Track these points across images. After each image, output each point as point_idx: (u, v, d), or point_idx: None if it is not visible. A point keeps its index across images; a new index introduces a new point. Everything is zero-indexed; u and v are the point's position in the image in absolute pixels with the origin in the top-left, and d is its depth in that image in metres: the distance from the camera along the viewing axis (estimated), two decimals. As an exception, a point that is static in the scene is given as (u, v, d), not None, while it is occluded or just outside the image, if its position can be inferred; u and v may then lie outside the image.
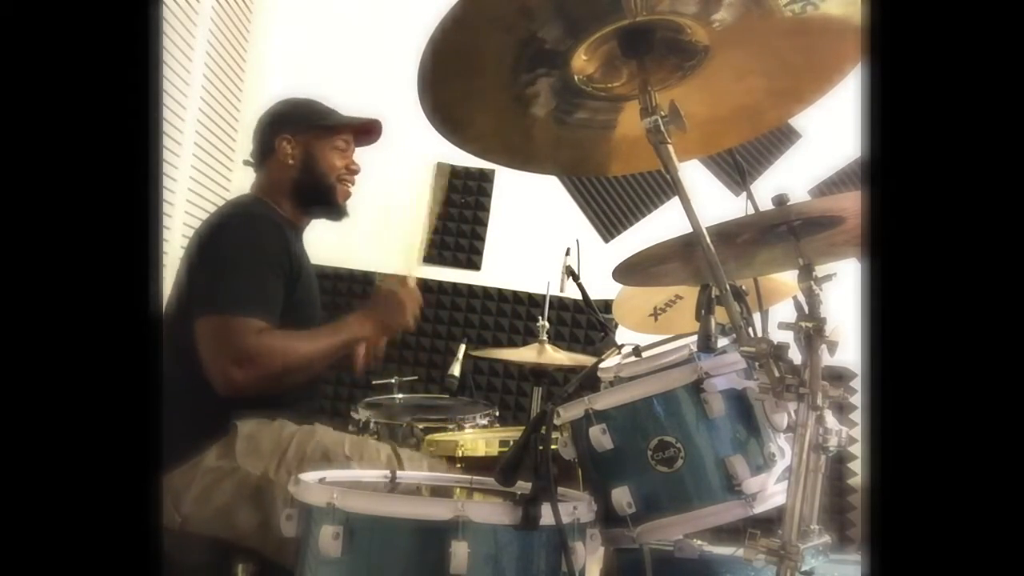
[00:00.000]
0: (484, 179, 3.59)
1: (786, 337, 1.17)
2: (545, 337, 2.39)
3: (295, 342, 1.69)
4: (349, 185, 1.95)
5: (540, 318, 2.45)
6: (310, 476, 1.28)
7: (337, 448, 1.66)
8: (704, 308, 1.34)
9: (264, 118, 1.98)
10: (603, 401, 1.34)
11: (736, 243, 1.33)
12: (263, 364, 1.61)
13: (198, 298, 1.67)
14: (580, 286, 2.53)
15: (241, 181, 2.03)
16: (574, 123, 1.31)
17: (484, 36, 1.09)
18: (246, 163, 2.03)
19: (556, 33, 1.11)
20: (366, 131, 2.00)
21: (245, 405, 1.65)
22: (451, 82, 1.16)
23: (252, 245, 1.73)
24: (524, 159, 1.42)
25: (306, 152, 1.90)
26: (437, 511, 1.11)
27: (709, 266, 1.15)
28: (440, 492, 1.46)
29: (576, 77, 1.21)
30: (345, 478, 1.38)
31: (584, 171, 2.86)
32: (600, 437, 1.31)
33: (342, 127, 1.95)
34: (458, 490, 1.47)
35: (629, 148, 1.36)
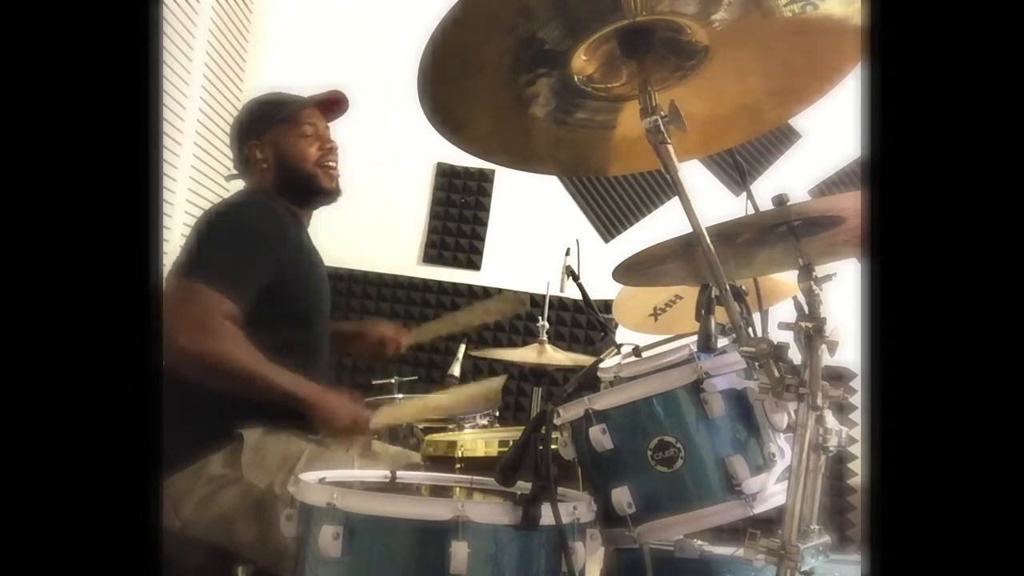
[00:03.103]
0: (484, 179, 3.59)
1: (786, 337, 1.17)
2: (545, 337, 2.39)
3: (248, 355, 1.58)
4: (332, 166, 1.89)
5: (540, 318, 2.46)
6: (310, 476, 1.28)
7: (345, 467, 1.64)
8: (704, 308, 1.34)
9: (233, 129, 1.96)
10: (603, 401, 1.34)
11: (736, 243, 1.33)
12: (211, 348, 1.54)
13: (178, 264, 1.64)
14: (580, 286, 2.53)
15: (240, 182, 2.02)
16: (574, 123, 1.31)
17: (484, 36, 1.09)
18: (229, 177, 2.01)
19: (556, 33, 1.11)
20: (330, 106, 1.94)
21: (250, 410, 1.62)
22: (451, 82, 1.16)
23: (242, 228, 1.71)
24: (524, 159, 1.42)
25: (275, 151, 1.87)
26: (437, 511, 1.11)
27: (709, 266, 1.15)
28: (440, 492, 1.46)
29: (576, 77, 1.21)
30: (345, 478, 1.38)
31: (584, 171, 2.86)
32: (600, 437, 1.31)
33: (301, 113, 1.89)
34: (458, 490, 1.47)
35: (629, 148, 1.36)
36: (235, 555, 1.59)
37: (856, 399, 3.08)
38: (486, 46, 1.11)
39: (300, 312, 1.74)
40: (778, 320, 1.21)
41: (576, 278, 2.53)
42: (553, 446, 1.22)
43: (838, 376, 2.94)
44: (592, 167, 1.88)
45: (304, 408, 1.64)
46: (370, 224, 3.46)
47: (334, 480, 1.31)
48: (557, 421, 1.35)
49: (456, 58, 1.11)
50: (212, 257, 1.64)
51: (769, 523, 1.20)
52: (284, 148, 1.87)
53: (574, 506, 1.18)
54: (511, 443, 1.45)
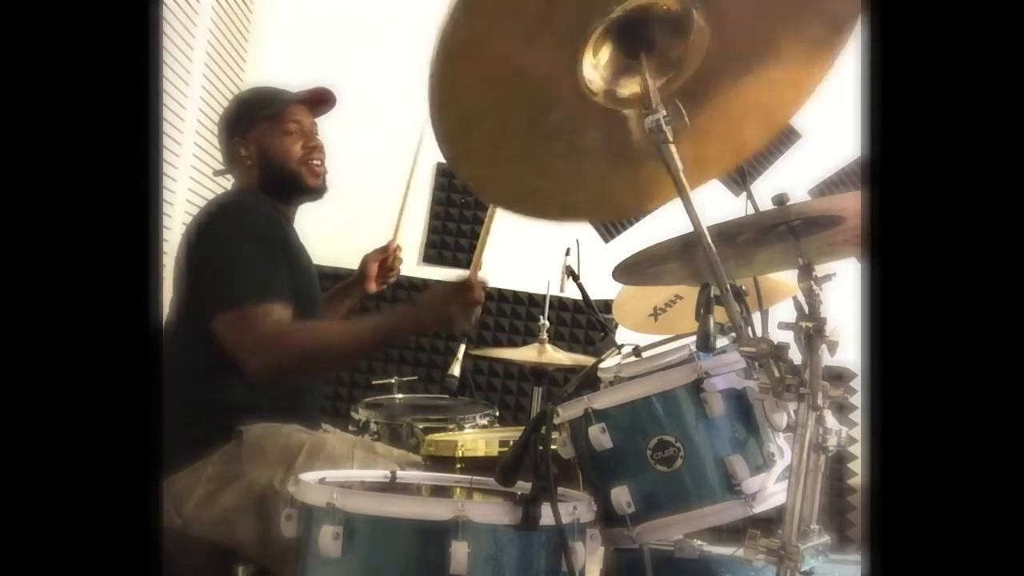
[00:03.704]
0: (484, 179, 3.59)
1: (786, 337, 1.17)
2: (545, 337, 2.39)
3: (318, 325, 1.71)
4: (316, 163, 1.87)
5: (540, 318, 2.45)
6: (310, 476, 1.28)
7: (345, 462, 1.65)
8: (704, 308, 1.33)
9: (219, 124, 1.94)
10: (603, 400, 1.34)
11: (736, 243, 1.33)
12: (282, 349, 1.60)
13: (209, 297, 1.65)
14: (580, 286, 2.53)
15: (231, 177, 2.01)
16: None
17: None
18: (217, 173, 2.00)
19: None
20: (317, 102, 1.93)
21: (251, 409, 1.64)
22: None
23: (249, 233, 1.71)
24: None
25: (259, 148, 1.86)
26: (437, 511, 1.11)
27: (709, 266, 1.15)
28: (440, 492, 1.46)
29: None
30: (345, 478, 1.38)
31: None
32: (599, 436, 1.31)
33: (286, 110, 1.87)
34: (458, 490, 1.47)
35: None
36: (237, 554, 1.59)
37: (856, 399, 3.07)
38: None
39: (300, 305, 1.74)
40: (778, 320, 1.21)
41: (576, 278, 2.52)
42: (553, 446, 1.22)
43: (838, 376, 2.92)
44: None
45: (413, 332, 1.78)
46: (369, 223, 3.45)
47: (334, 480, 1.31)
48: (556, 420, 1.35)
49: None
50: (240, 275, 1.64)
51: (769, 523, 1.20)
52: (268, 146, 1.86)
53: (574, 506, 1.18)
54: (511, 443, 1.45)
